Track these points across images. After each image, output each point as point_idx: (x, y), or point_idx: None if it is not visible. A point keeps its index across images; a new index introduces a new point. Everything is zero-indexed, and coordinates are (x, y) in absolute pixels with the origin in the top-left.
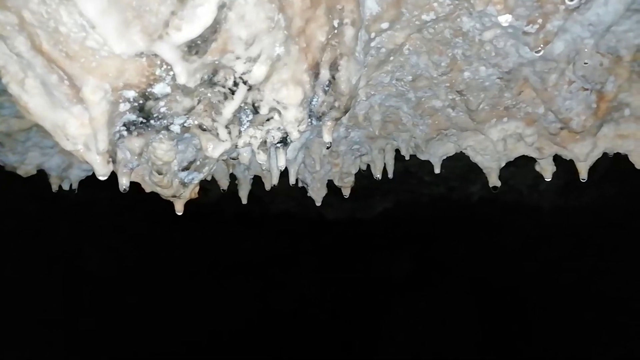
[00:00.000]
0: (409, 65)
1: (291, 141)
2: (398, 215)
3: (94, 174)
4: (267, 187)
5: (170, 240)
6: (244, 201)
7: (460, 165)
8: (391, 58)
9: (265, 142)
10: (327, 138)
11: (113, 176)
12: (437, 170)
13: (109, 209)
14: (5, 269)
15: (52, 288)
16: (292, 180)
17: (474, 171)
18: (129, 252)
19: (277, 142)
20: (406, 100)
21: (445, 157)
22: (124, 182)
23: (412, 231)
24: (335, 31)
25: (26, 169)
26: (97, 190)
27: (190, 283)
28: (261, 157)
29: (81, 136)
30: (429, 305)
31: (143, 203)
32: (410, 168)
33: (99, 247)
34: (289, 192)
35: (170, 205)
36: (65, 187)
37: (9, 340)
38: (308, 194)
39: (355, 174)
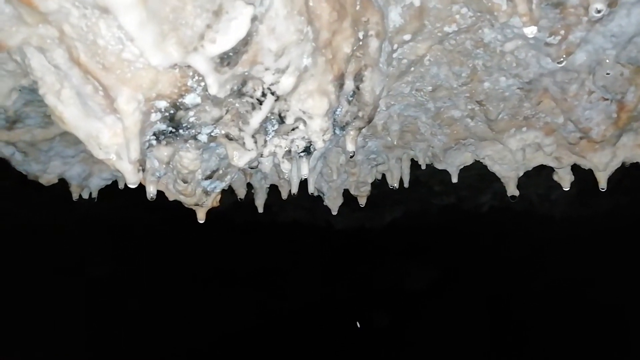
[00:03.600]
0: (429, 75)
1: (314, 150)
2: (407, 225)
3: (112, 183)
4: (284, 195)
5: (179, 249)
6: (260, 210)
7: (471, 175)
8: (412, 69)
9: (289, 151)
10: (350, 147)
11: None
12: (454, 180)
13: (117, 216)
14: (17, 276)
15: (58, 294)
16: (311, 189)
17: (484, 180)
18: (137, 260)
19: (301, 152)
20: (425, 110)
21: (462, 167)
22: (151, 190)
23: (421, 241)
24: (360, 43)
25: (48, 178)
26: (105, 198)
27: (198, 290)
28: (286, 166)
29: (113, 145)
30: (437, 315)
31: (152, 211)
32: (420, 177)
33: (106, 253)
34: (298, 200)
35: (179, 213)
36: (85, 195)
37: (18, 346)
38: (324, 203)
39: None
